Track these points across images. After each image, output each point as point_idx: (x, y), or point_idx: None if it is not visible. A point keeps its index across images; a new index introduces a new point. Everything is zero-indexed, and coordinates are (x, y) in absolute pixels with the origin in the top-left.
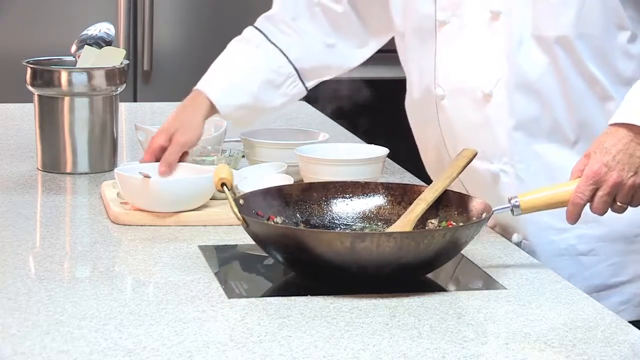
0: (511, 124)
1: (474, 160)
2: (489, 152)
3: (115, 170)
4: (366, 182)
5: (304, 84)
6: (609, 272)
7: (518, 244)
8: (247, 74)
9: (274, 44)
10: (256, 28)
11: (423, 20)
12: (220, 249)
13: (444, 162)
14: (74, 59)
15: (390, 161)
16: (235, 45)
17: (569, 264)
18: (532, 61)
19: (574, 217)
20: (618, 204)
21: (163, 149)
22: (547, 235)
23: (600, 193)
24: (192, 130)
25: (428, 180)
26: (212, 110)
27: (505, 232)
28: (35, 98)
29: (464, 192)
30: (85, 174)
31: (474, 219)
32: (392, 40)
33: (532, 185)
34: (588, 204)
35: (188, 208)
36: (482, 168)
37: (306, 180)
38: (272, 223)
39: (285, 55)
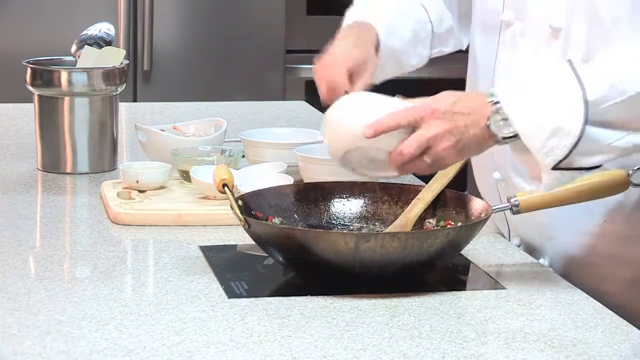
0: None
1: (520, 179)
2: (534, 172)
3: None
4: (363, 182)
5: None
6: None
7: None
8: (404, 15)
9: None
10: None
11: (489, 14)
12: (220, 249)
13: (490, 170)
14: (74, 59)
15: None
16: None
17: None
18: None
19: (395, 164)
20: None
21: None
22: (574, 267)
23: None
24: (372, 66)
25: (428, 181)
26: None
27: (532, 255)
28: (35, 98)
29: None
30: (85, 174)
31: (473, 218)
32: None
33: (569, 220)
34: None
35: None
36: (528, 190)
37: (306, 180)
38: (271, 224)
39: (427, 12)
